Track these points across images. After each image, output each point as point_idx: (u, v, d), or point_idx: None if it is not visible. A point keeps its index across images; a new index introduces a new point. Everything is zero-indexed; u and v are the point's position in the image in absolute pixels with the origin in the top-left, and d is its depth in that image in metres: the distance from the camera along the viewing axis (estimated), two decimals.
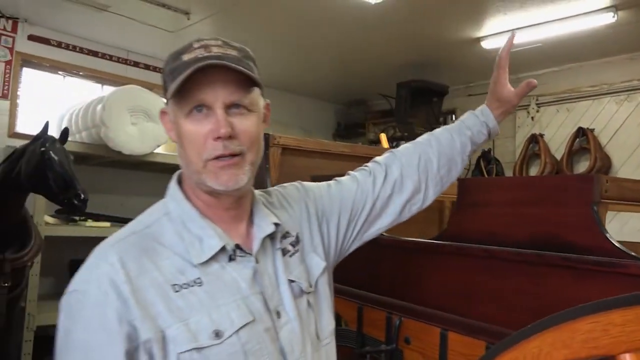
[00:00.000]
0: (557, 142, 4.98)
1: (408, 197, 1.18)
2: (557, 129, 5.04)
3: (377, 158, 1.24)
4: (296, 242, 1.06)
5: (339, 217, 1.14)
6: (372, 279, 1.53)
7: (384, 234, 1.59)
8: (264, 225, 1.01)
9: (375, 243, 1.55)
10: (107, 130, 3.65)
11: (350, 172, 1.23)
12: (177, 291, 0.88)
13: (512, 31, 1.30)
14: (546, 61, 4.90)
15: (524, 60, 4.88)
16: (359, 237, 1.19)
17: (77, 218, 3.82)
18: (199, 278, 0.90)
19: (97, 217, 3.92)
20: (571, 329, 0.67)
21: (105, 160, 4.01)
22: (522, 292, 1.10)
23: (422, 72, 5.17)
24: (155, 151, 4.03)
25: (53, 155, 2.60)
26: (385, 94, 5.52)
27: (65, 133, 2.80)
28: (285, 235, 1.05)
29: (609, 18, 3.70)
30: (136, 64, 5.03)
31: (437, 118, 5.41)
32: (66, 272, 4.16)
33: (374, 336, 1.53)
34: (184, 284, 0.89)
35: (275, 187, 1.13)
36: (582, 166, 4.77)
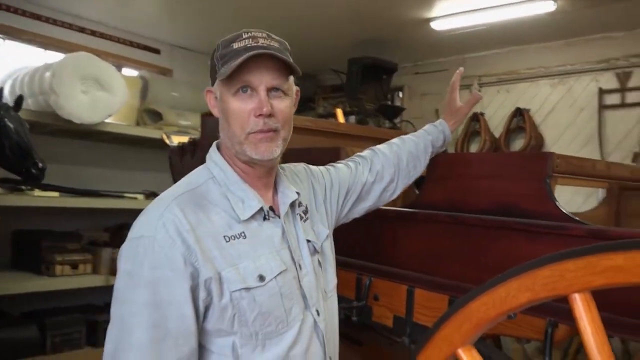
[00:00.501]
0: (497, 121, 5.30)
1: (385, 185, 1.42)
2: (496, 109, 5.34)
3: (361, 153, 1.47)
4: (306, 211, 1.24)
5: (337, 195, 1.35)
6: (346, 244, 1.66)
7: None
8: (288, 193, 1.19)
9: None
10: (57, 98, 3.54)
11: (341, 161, 1.45)
12: (227, 241, 1.05)
13: (460, 69, 1.66)
14: (490, 44, 5.16)
15: (470, 42, 5.12)
16: (347, 215, 1.41)
17: (23, 187, 3.73)
18: (243, 232, 1.07)
19: (45, 187, 3.83)
20: (533, 275, 0.82)
21: (54, 128, 3.91)
22: (484, 252, 1.27)
23: (372, 49, 5.30)
24: (106, 121, 3.97)
25: (8, 122, 2.56)
26: (337, 69, 5.63)
27: (19, 100, 2.74)
28: (300, 204, 1.22)
29: (550, 6, 3.96)
30: (82, 30, 4.86)
31: (385, 95, 5.59)
32: (9, 243, 4.06)
33: (346, 296, 1.67)
34: (232, 236, 1.06)
35: (287, 165, 1.27)
36: (518, 144, 5.10)
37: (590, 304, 0.78)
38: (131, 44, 5.22)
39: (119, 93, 3.94)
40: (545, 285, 0.81)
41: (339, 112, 3.29)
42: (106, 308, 4.42)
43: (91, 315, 3.97)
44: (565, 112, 4.92)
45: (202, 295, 1.00)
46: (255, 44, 1.08)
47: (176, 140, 2.81)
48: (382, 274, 1.56)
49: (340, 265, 1.67)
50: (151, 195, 4.64)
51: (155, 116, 4.82)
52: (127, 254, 1.02)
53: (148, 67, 5.28)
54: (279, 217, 1.16)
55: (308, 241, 1.19)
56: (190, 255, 0.99)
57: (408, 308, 1.46)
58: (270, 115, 1.08)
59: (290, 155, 1.41)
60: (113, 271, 3.97)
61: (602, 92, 4.69)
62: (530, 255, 1.15)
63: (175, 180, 2.95)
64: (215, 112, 1.17)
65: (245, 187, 1.12)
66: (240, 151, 1.11)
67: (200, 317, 1.02)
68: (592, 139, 4.72)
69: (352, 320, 2.37)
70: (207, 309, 1.02)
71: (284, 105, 1.11)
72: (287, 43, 1.16)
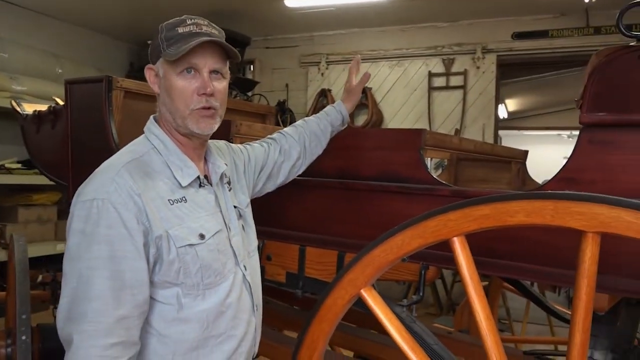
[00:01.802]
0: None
1: (293, 163, 1.59)
2: (342, 86, 5.72)
3: (272, 135, 1.61)
4: (230, 182, 1.37)
5: (254, 170, 1.50)
6: None
7: None
8: (218, 164, 1.32)
9: None
10: None
11: (256, 141, 1.59)
12: (171, 204, 1.17)
13: (356, 56, 1.76)
14: (337, 24, 5.51)
15: (319, 21, 5.41)
16: (261, 189, 1.56)
17: None
18: (184, 197, 1.20)
19: None
20: (423, 225, 1.05)
21: None
22: (370, 212, 1.50)
23: (223, 20, 5.30)
24: None
25: None
26: None
27: None
28: (225, 176, 1.35)
29: None
30: None
31: (238, 67, 5.65)
32: None
33: None
34: (175, 199, 1.19)
35: (210, 140, 1.35)
36: (361, 119, 5.58)
37: (465, 244, 1.03)
38: None
39: None
40: (432, 233, 1.05)
41: None
42: None
43: None
44: (401, 91, 5.51)
45: (152, 251, 1.12)
46: (199, 31, 1.19)
47: (29, 108, 2.60)
48: (274, 236, 1.72)
49: None
50: None
51: None
52: (80, 214, 1.09)
53: None
54: (211, 184, 1.29)
55: (235, 207, 1.34)
56: (141, 216, 1.11)
57: (300, 264, 1.65)
58: (211, 95, 1.20)
59: None
60: None
61: (431, 75, 5.35)
62: (408, 212, 1.41)
63: (29, 151, 2.75)
64: (156, 88, 1.25)
65: (184, 157, 1.23)
66: (182, 125, 1.22)
67: (150, 270, 1.13)
68: (423, 116, 5.37)
69: None
70: (155, 263, 1.14)
71: (222, 86, 1.24)
72: (223, 31, 1.28)
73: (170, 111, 1.22)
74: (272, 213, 1.71)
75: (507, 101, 8.55)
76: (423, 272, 1.42)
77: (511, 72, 5.87)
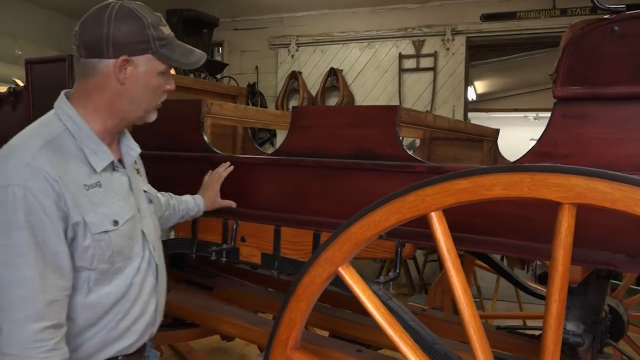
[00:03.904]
0: (313, 80, 5.67)
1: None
2: (313, 68, 5.71)
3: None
4: (138, 170, 1.41)
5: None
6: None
7: (219, 152, 1.80)
8: (133, 147, 1.34)
9: (211, 162, 1.76)
10: None
11: None
12: (87, 190, 1.17)
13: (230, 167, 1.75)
14: (306, 5, 5.44)
15: (288, 2, 5.35)
16: None
17: None
18: (98, 182, 1.21)
19: None
20: (401, 201, 1.04)
21: None
22: (345, 190, 1.48)
23: (193, 1, 5.19)
24: None
25: None
26: None
27: None
28: (135, 162, 1.38)
29: None
30: None
31: (206, 49, 5.53)
32: None
33: (211, 240, 1.77)
34: (91, 184, 1.19)
35: None
36: (332, 101, 5.56)
37: (443, 219, 1.03)
38: None
39: None
40: (410, 208, 1.04)
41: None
42: None
43: None
44: (371, 73, 5.50)
45: (69, 235, 1.13)
46: (173, 34, 1.27)
47: None
48: (248, 217, 1.69)
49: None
50: None
51: None
52: None
53: None
54: (124, 167, 1.31)
55: (145, 192, 1.39)
56: (60, 201, 1.10)
57: (275, 245, 1.63)
58: None
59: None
60: None
61: (401, 56, 5.34)
62: (383, 190, 1.40)
63: None
64: (122, 77, 1.20)
65: (97, 141, 1.22)
66: (142, 116, 1.27)
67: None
68: (394, 97, 5.38)
69: (203, 270, 2.47)
70: (70, 247, 1.14)
71: None
72: None
73: (134, 102, 1.23)
74: (246, 194, 1.69)
75: (476, 83, 8.64)
76: (399, 249, 1.42)
77: (480, 54, 5.92)
